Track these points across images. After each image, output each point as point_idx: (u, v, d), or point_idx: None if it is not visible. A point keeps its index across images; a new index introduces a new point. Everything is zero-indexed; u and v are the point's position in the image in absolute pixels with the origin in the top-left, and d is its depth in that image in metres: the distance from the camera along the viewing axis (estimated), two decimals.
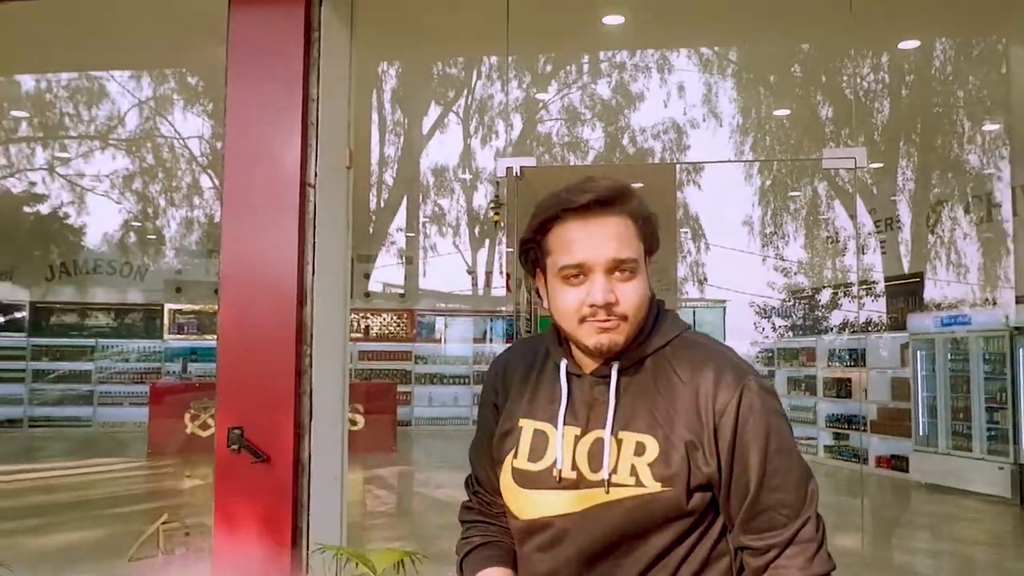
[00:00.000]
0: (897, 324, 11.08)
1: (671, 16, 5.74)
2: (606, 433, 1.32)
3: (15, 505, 8.01)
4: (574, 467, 1.34)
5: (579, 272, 1.31)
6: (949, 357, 9.35)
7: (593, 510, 1.32)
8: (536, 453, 1.39)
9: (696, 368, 1.33)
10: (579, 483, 1.33)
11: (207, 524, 3.70)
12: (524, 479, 1.39)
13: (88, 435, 13.52)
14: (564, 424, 1.37)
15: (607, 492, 1.30)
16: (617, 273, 1.31)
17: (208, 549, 4.57)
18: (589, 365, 1.38)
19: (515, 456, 1.41)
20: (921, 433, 9.57)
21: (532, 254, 1.40)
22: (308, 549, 3.04)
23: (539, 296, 1.43)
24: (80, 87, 14.52)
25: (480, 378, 15.02)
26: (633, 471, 1.30)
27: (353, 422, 10.57)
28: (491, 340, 15.43)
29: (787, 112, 13.30)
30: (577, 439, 1.36)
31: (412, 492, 9.88)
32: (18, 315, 14.38)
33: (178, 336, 14.38)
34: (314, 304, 3.17)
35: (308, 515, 3.11)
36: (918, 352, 9.75)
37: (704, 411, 1.30)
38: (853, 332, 12.29)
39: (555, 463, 1.35)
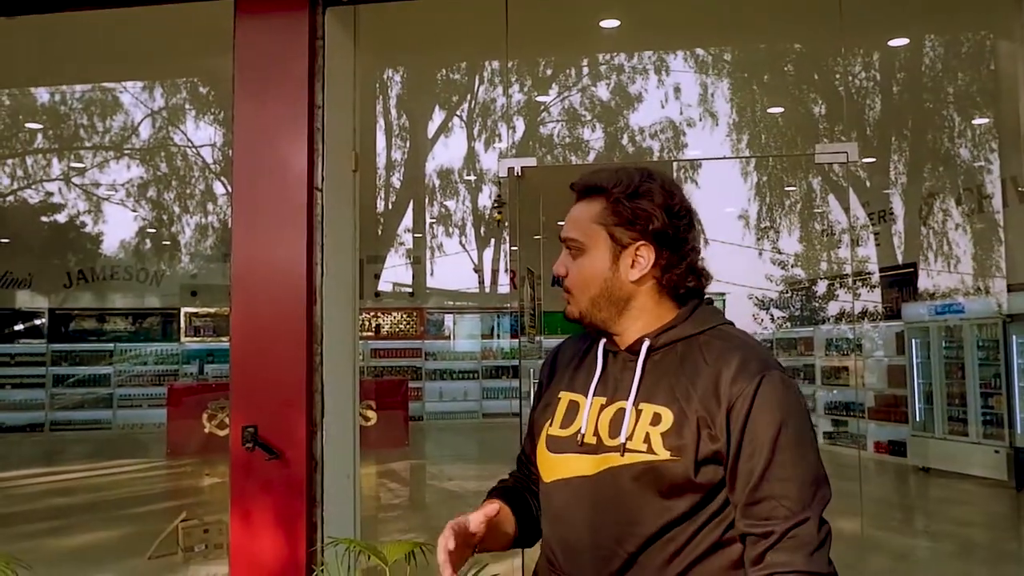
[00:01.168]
0: (892, 313, 11.15)
1: (665, 20, 5.74)
2: (628, 403, 1.37)
3: (38, 507, 8.05)
4: (595, 433, 1.40)
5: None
6: (944, 344, 9.40)
7: (606, 472, 1.36)
8: (567, 421, 1.46)
9: (722, 353, 1.35)
10: (598, 448, 1.38)
11: (225, 521, 3.66)
12: (554, 444, 1.46)
13: (108, 437, 13.59)
14: (594, 395, 1.44)
15: (622, 456, 1.34)
16: (569, 250, 1.46)
17: (226, 545, 4.72)
18: (624, 343, 1.45)
19: (551, 424, 1.48)
20: (918, 419, 9.61)
21: None
22: (322, 543, 3.03)
23: None
24: (94, 99, 14.58)
25: (488, 372, 15.33)
26: (647, 439, 1.33)
27: (366, 418, 10.69)
28: (498, 336, 15.57)
29: (781, 110, 13.35)
30: (602, 408, 1.41)
31: (424, 485, 9.95)
32: (38, 322, 14.53)
33: (194, 339, 14.51)
34: (323, 304, 3.19)
35: (322, 510, 3.14)
36: (913, 340, 9.81)
37: (722, 392, 1.31)
38: (849, 321, 12.35)
39: (580, 428, 1.42)
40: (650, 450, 1.32)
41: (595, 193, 1.44)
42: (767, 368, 1.32)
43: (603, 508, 1.36)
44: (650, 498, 1.32)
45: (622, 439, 1.35)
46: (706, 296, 1.48)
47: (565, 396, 1.49)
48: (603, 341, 1.48)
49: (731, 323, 1.45)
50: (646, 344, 1.40)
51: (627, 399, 1.38)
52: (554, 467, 1.45)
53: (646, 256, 1.40)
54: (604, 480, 1.37)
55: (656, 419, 1.34)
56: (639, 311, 1.43)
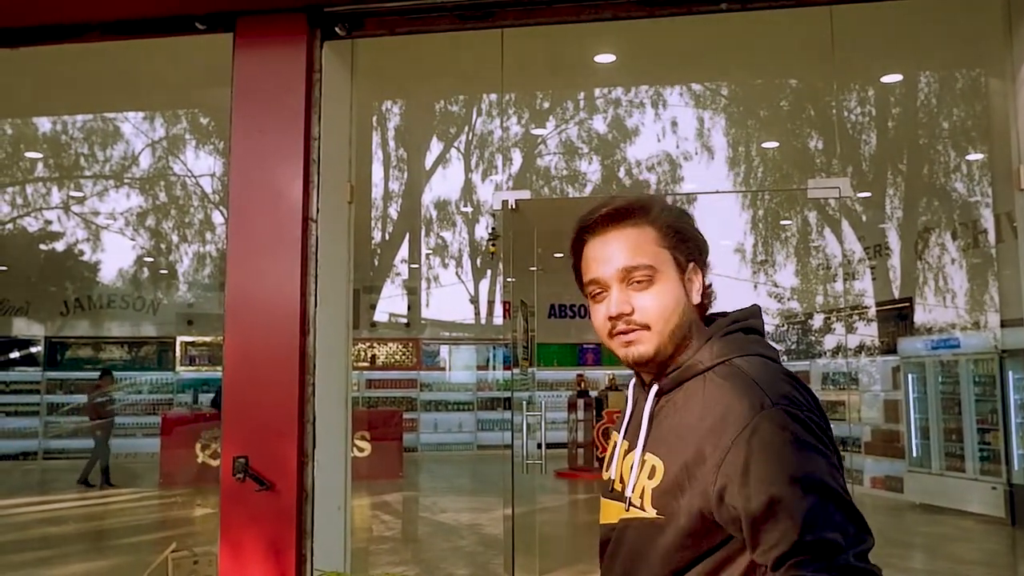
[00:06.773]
0: (888, 348, 11.13)
1: (660, 56, 5.77)
2: (637, 452, 1.33)
3: (30, 536, 8.07)
4: (621, 480, 1.38)
5: (600, 289, 1.33)
6: (940, 379, 9.40)
7: (621, 524, 1.35)
8: (610, 464, 1.46)
9: (719, 395, 1.23)
10: (621, 496, 1.36)
11: (215, 552, 3.54)
12: (603, 488, 1.46)
13: (102, 466, 13.58)
14: (623, 439, 1.41)
15: (627, 509, 1.32)
16: (633, 283, 1.30)
17: None
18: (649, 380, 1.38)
19: (606, 467, 1.49)
20: (914, 454, 9.60)
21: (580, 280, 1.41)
22: (311, 575, 3.02)
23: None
24: (95, 128, 14.62)
25: (483, 404, 15.32)
26: (642, 494, 1.29)
27: (360, 448, 10.65)
28: (494, 367, 15.55)
29: (776, 144, 13.47)
30: (625, 453, 1.39)
31: (418, 517, 9.92)
32: (34, 350, 14.52)
33: (190, 368, 14.53)
34: (316, 334, 3.18)
35: (312, 542, 3.11)
36: (909, 375, 9.82)
37: (714, 444, 1.19)
38: (845, 356, 12.34)
39: (611, 475, 1.43)
40: (642, 507, 1.28)
41: (637, 216, 1.33)
42: (761, 406, 1.18)
43: (619, 559, 1.35)
44: (652, 548, 1.27)
45: (628, 492, 1.33)
46: (741, 320, 1.36)
47: (615, 437, 1.47)
48: (633, 379, 1.44)
49: (753, 353, 1.30)
50: (654, 389, 1.33)
51: (638, 447, 1.33)
52: (602, 511, 1.44)
53: (696, 279, 1.34)
54: (620, 531, 1.36)
55: (652, 472, 1.28)
56: (692, 339, 1.33)
